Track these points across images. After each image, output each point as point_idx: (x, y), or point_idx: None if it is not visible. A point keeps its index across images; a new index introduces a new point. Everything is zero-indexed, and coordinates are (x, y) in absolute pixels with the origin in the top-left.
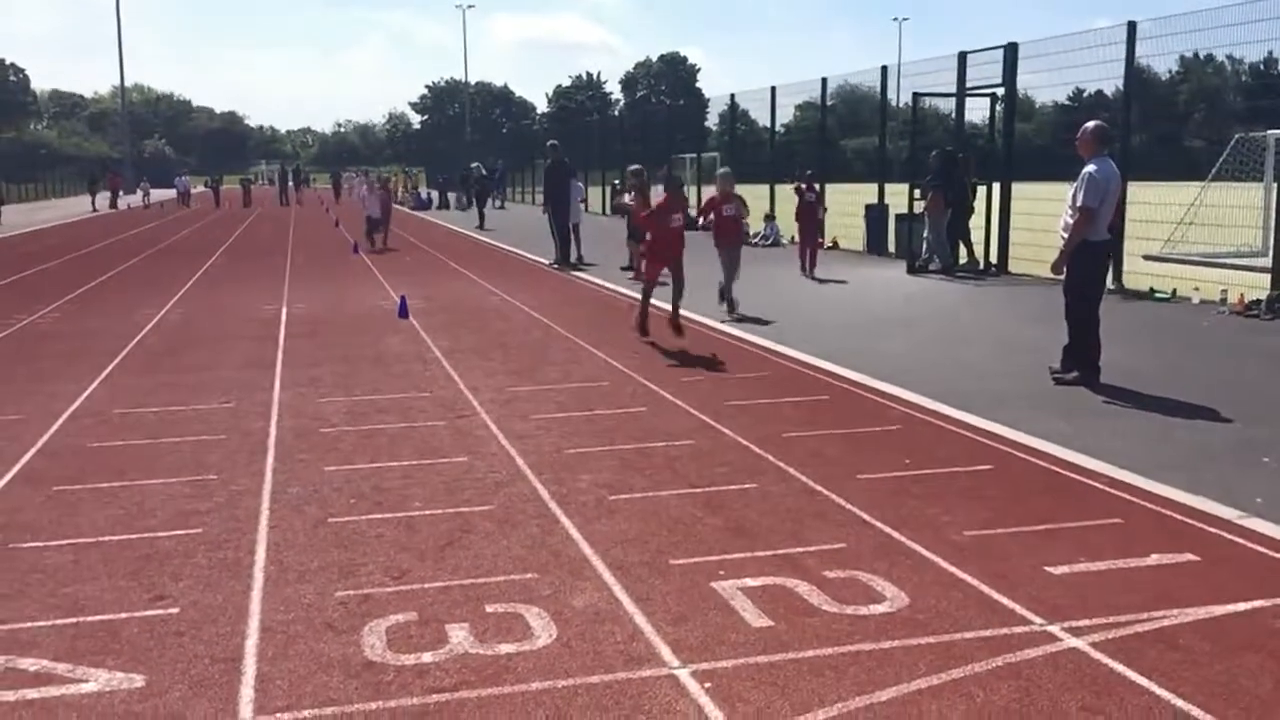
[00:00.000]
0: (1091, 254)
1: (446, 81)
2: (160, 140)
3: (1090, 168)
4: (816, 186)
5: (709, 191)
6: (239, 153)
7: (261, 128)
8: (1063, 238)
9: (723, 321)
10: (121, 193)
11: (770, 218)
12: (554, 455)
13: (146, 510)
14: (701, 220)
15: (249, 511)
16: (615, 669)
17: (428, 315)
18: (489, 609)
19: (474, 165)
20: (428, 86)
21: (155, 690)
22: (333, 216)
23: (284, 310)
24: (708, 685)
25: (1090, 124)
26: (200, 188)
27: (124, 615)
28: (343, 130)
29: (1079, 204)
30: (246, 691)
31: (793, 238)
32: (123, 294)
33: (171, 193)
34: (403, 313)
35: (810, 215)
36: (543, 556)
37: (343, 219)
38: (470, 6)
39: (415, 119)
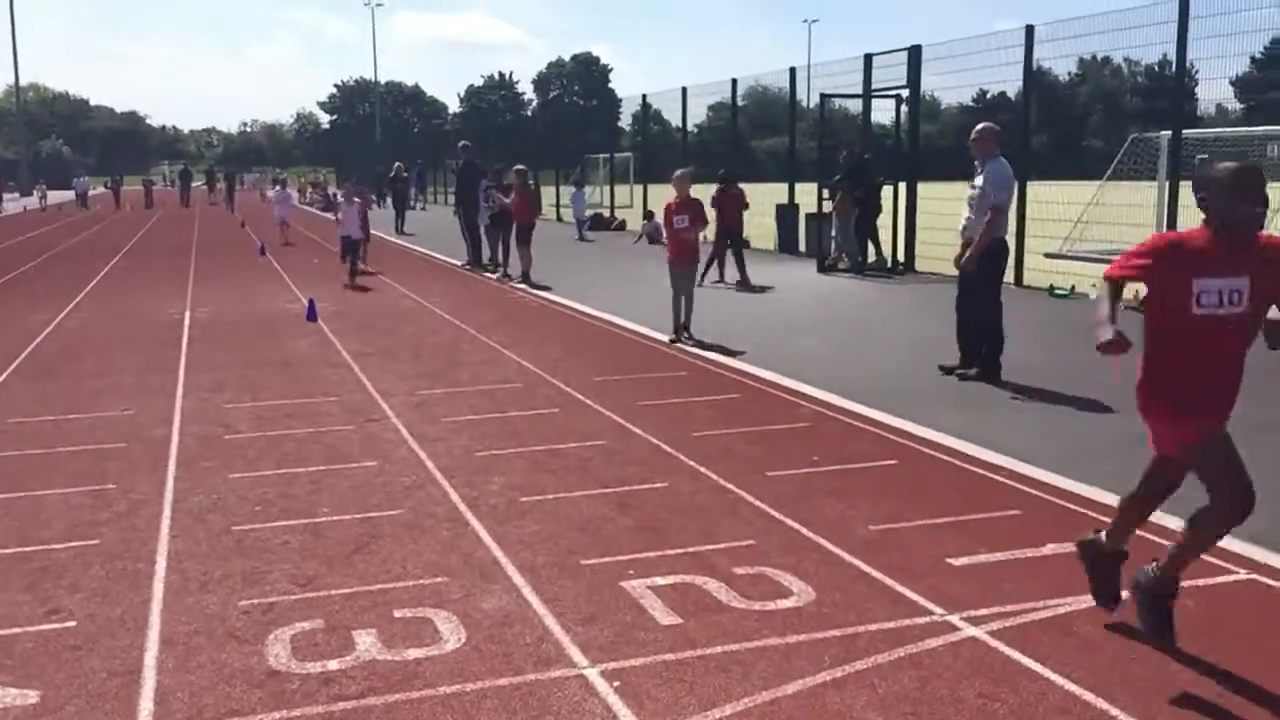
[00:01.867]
0: (999, 251)
1: (356, 81)
2: (57, 140)
3: (995, 165)
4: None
5: (621, 194)
6: (140, 153)
7: (164, 128)
8: (966, 237)
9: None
10: (7, 196)
11: (651, 216)
12: (465, 458)
13: (42, 521)
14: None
15: (149, 521)
16: (524, 671)
17: (337, 318)
18: (397, 614)
19: (397, 164)
20: (336, 86)
21: (50, 705)
22: (239, 218)
23: (188, 314)
24: (616, 684)
25: (983, 125)
26: (100, 189)
27: (17, 630)
28: (249, 130)
29: (992, 202)
30: (146, 704)
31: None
32: (17, 300)
33: (70, 194)
34: (311, 316)
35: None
36: (453, 560)
37: (248, 222)
38: (379, 4)
39: (324, 119)
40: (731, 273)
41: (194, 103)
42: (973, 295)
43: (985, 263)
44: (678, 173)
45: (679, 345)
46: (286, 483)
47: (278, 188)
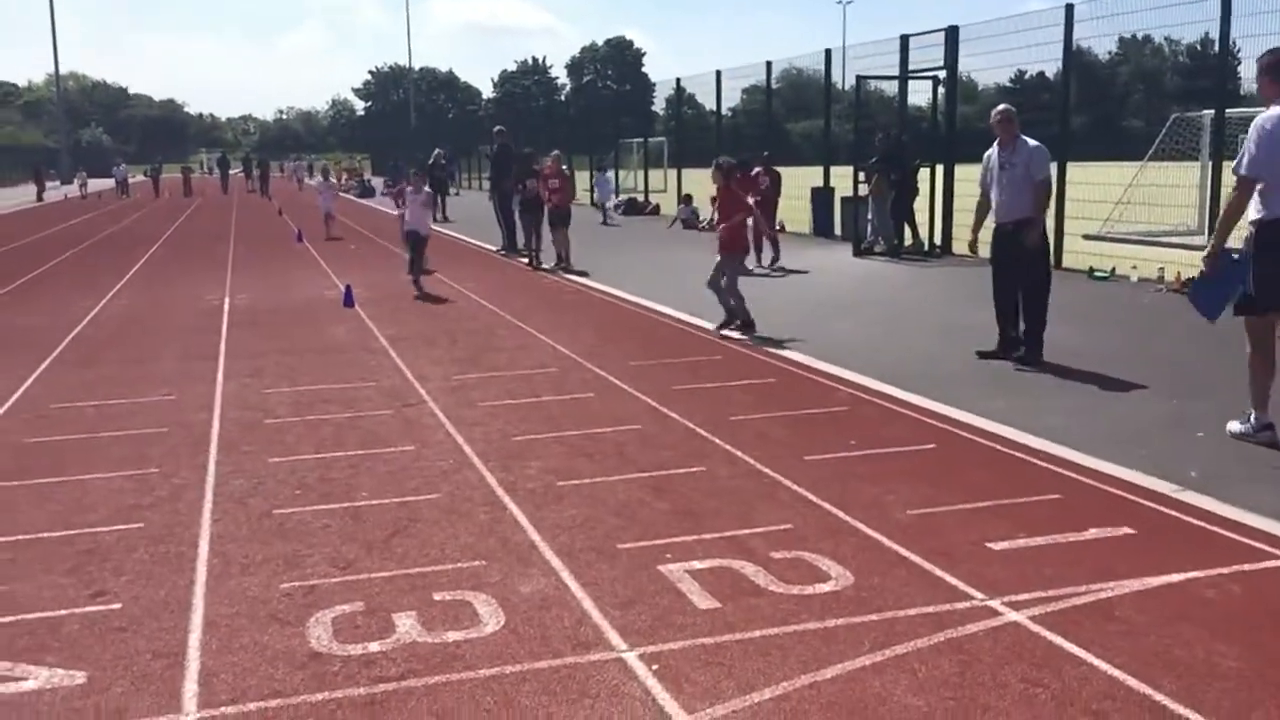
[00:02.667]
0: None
1: (390, 67)
2: (97, 129)
3: (1029, 143)
4: (765, 172)
5: (655, 179)
6: (178, 141)
7: (201, 115)
8: (996, 219)
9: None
10: (49, 184)
11: (689, 199)
12: (502, 442)
13: (86, 506)
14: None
15: (191, 505)
16: (563, 654)
17: (374, 304)
18: (436, 597)
19: (437, 151)
20: (371, 72)
21: (97, 687)
22: (275, 205)
23: (226, 301)
24: (655, 668)
25: (1003, 106)
26: (139, 177)
27: (64, 612)
28: (285, 118)
29: (1042, 178)
30: (190, 686)
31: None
32: (60, 287)
33: (110, 182)
34: (348, 302)
35: (764, 202)
36: (490, 544)
37: (285, 210)
38: None
39: (359, 105)
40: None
41: (230, 91)
42: (1025, 275)
43: (1044, 242)
44: (720, 160)
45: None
46: (325, 467)
47: (319, 177)
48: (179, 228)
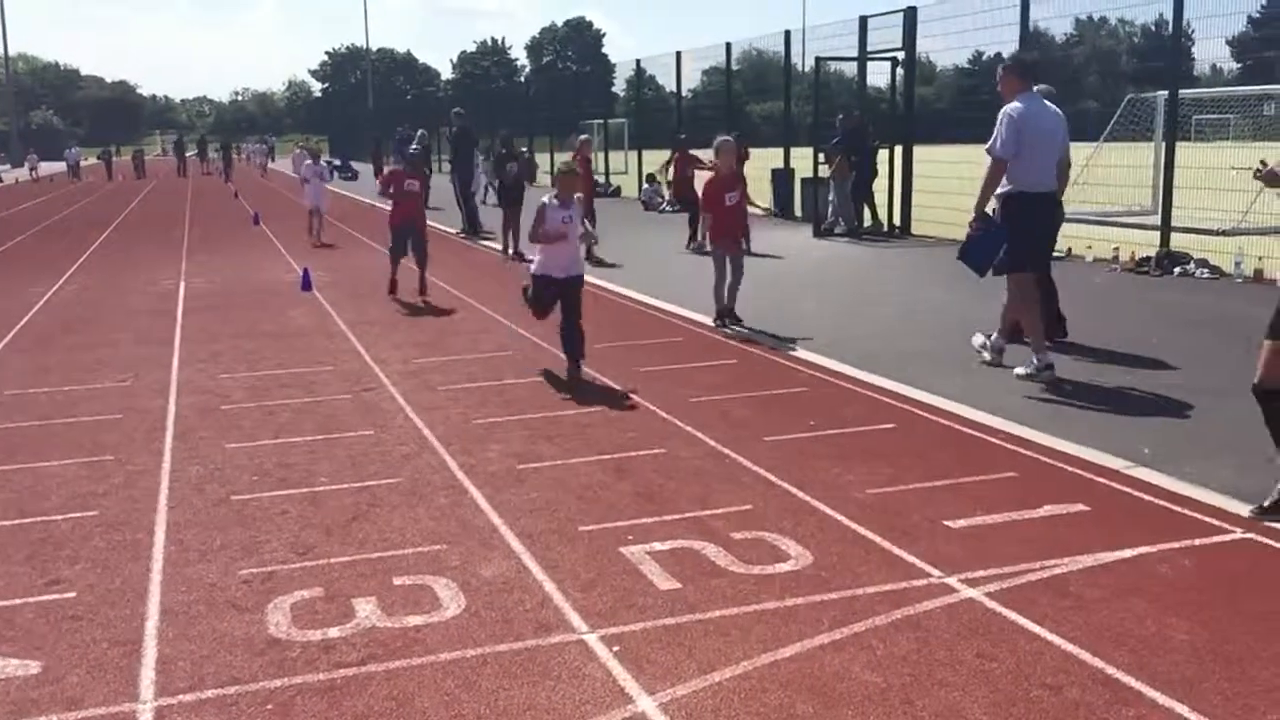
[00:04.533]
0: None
1: (347, 48)
2: (48, 111)
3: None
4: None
5: (615, 160)
6: (132, 123)
7: (155, 97)
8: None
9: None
10: None
11: (652, 179)
12: (462, 426)
13: (40, 493)
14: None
15: (147, 492)
16: (524, 636)
17: (332, 288)
18: (397, 582)
19: (421, 131)
20: (328, 53)
21: (52, 676)
22: (232, 188)
23: (182, 285)
24: (616, 649)
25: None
26: (92, 160)
27: (18, 601)
28: (240, 99)
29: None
30: (147, 674)
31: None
32: (11, 272)
33: (61, 166)
34: (306, 285)
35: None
36: (451, 527)
37: (241, 192)
38: None
39: (316, 87)
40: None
41: (184, 72)
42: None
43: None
44: (721, 141)
45: (723, 328)
46: (284, 452)
47: (308, 161)
48: (133, 211)
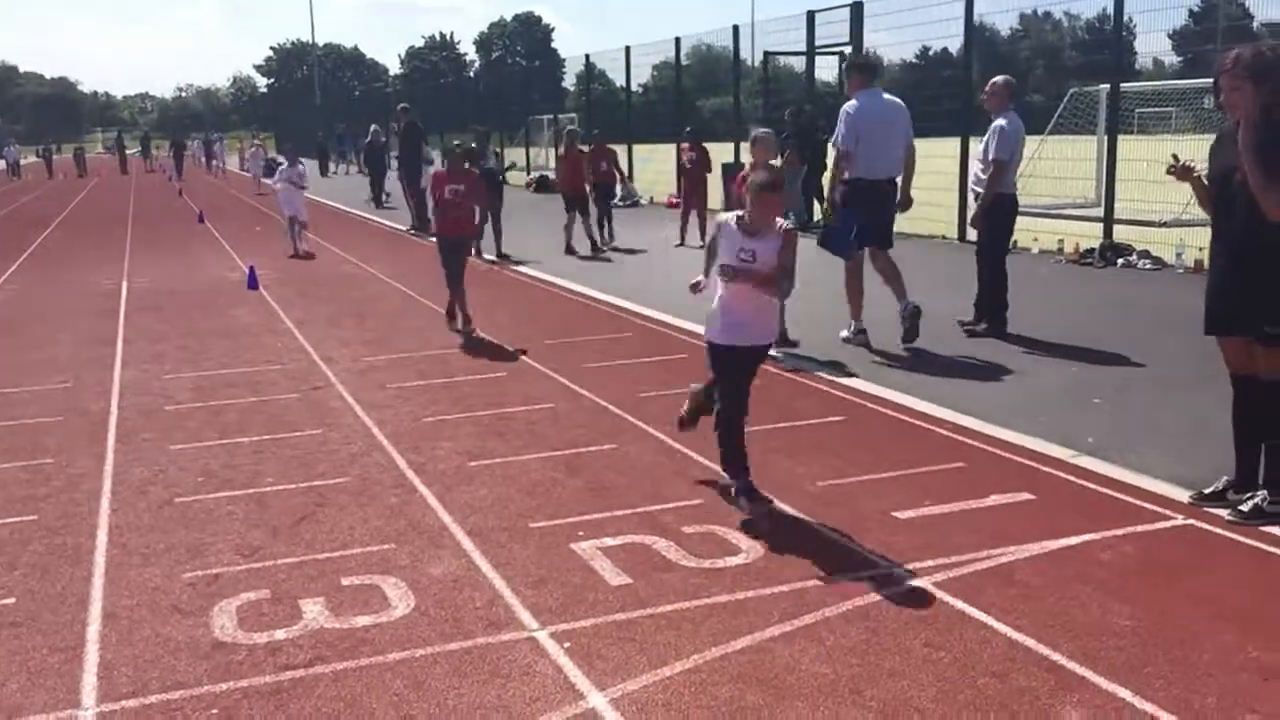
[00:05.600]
0: (1005, 207)
1: (293, 43)
2: None
3: (1001, 121)
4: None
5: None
6: (72, 120)
7: (96, 94)
8: (976, 193)
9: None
10: None
11: (630, 178)
12: (412, 424)
13: None
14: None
15: (89, 495)
16: (474, 635)
17: (279, 286)
18: (345, 582)
19: (371, 127)
20: (273, 48)
21: None
22: (175, 186)
23: (125, 284)
24: (567, 645)
25: (999, 79)
26: (32, 158)
27: None
28: (184, 95)
29: (991, 157)
30: (89, 679)
31: (651, 199)
32: None
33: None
34: (252, 284)
35: (694, 180)
36: (400, 526)
37: (188, 190)
38: None
39: (262, 82)
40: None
41: (125, 68)
42: (985, 251)
43: (989, 218)
44: (759, 133)
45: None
46: (230, 453)
47: (283, 164)
48: (75, 210)
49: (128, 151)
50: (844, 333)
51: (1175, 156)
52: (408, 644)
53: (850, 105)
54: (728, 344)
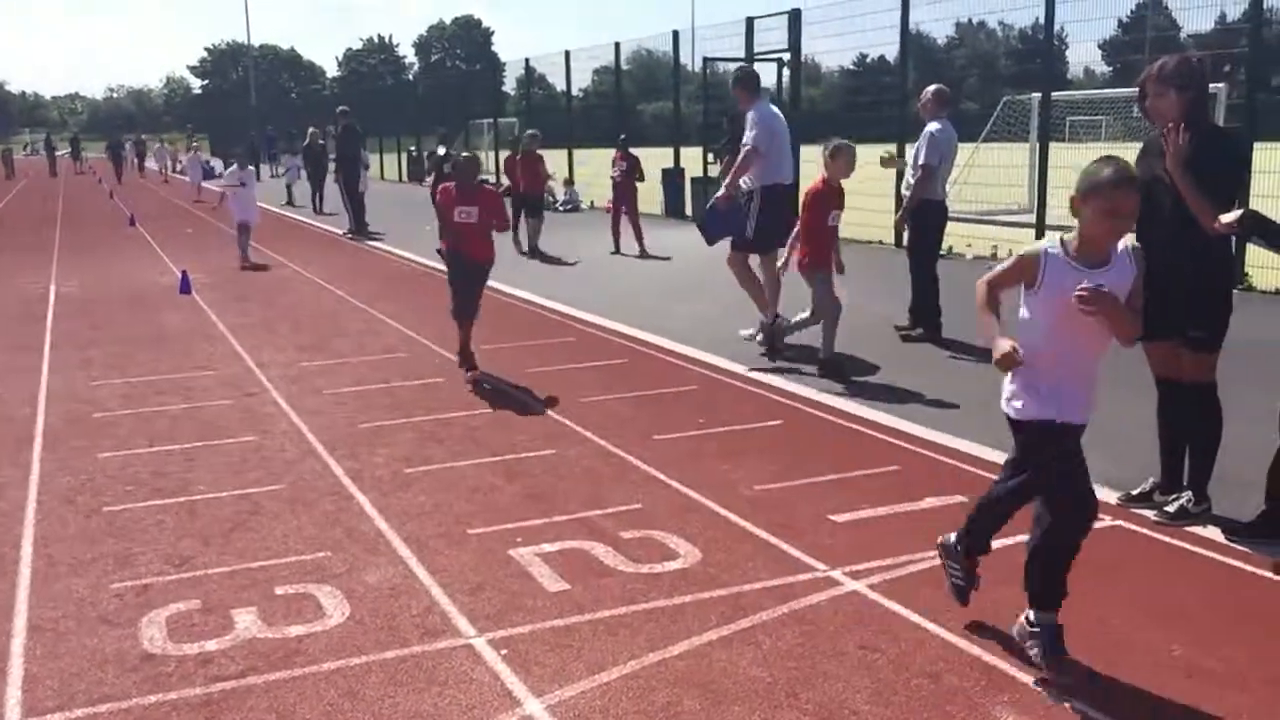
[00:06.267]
0: (933, 213)
1: (228, 44)
2: None
3: (933, 127)
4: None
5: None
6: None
7: (24, 94)
8: (906, 196)
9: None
10: None
11: (570, 182)
12: (348, 430)
13: None
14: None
15: (13, 504)
16: (410, 643)
17: (212, 290)
18: (278, 591)
19: (312, 130)
20: (207, 49)
21: None
22: (106, 188)
23: (53, 288)
24: (504, 652)
25: (931, 88)
26: None
27: None
28: (115, 96)
29: (920, 162)
30: (13, 693)
31: (592, 203)
32: None
33: None
34: (184, 288)
35: (625, 188)
36: (336, 534)
37: (119, 193)
38: None
39: (196, 83)
40: (605, 242)
41: (54, 68)
42: (914, 257)
43: (918, 224)
44: (837, 144)
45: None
46: (160, 461)
47: (232, 166)
48: (0, 212)
49: (57, 153)
50: (744, 331)
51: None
52: (342, 653)
53: (759, 110)
54: (1065, 423)
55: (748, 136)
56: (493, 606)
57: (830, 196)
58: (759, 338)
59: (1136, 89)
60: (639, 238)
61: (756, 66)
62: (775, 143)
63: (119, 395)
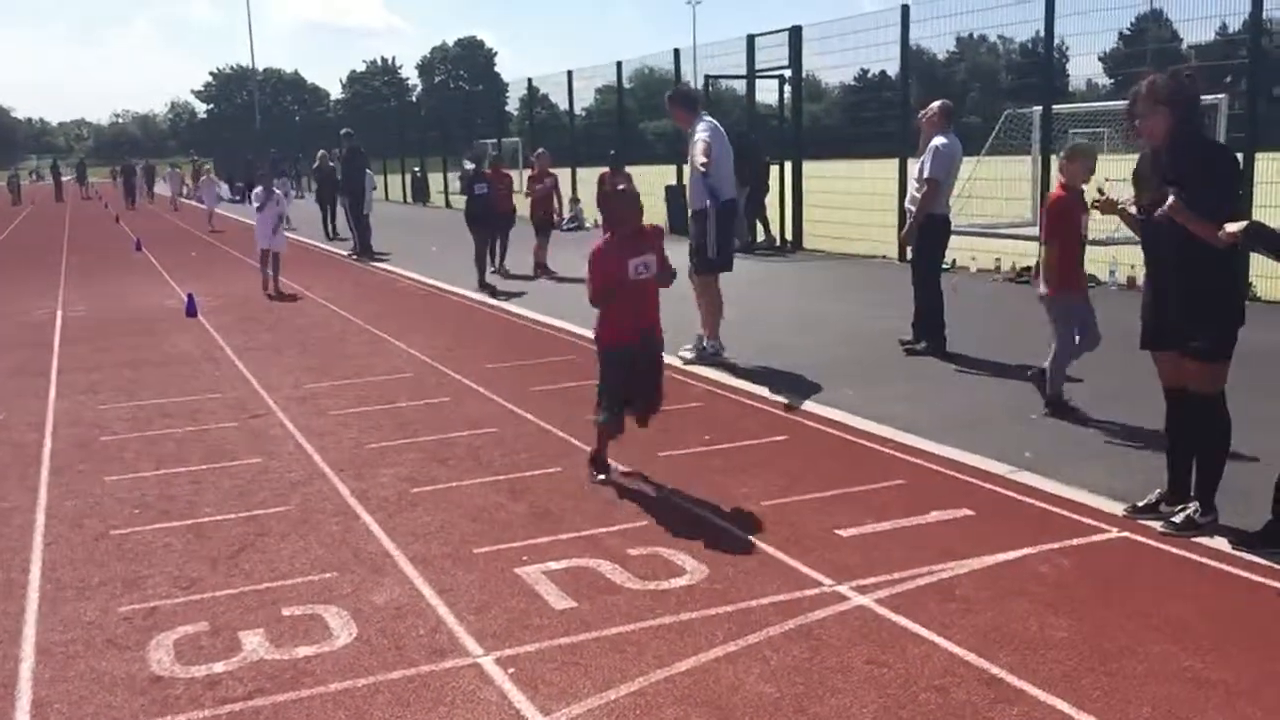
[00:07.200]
0: (937, 227)
1: (232, 68)
2: None
3: (938, 141)
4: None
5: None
6: (7, 147)
7: (31, 120)
8: (911, 211)
9: None
10: None
11: (575, 200)
12: (354, 451)
13: None
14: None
15: (21, 529)
16: (417, 663)
17: (218, 313)
18: (285, 612)
19: (319, 152)
20: (212, 73)
21: None
22: (113, 213)
23: (60, 313)
24: (511, 671)
25: (936, 103)
26: None
27: None
28: (121, 121)
29: (925, 176)
30: (22, 717)
31: (596, 222)
32: None
33: None
34: (191, 311)
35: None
36: (342, 555)
37: (125, 218)
38: None
39: (200, 107)
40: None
41: (60, 94)
42: (919, 271)
43: (922, 237)
44: (1076, 144)
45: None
46: (167, 483)
47: (257, 189)
48: (8, 237)
49: (63, 178)
50: (688, 354)
51: (1100, 190)
52: (349, 674)
53: (707, 127)
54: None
55: (700, 154)
56: (499, 625)
57: (1076, 202)
58: (693, 355)
59: (1136, 91)
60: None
61: (759, 83)
62: (727, 159)
63: (126, 418)
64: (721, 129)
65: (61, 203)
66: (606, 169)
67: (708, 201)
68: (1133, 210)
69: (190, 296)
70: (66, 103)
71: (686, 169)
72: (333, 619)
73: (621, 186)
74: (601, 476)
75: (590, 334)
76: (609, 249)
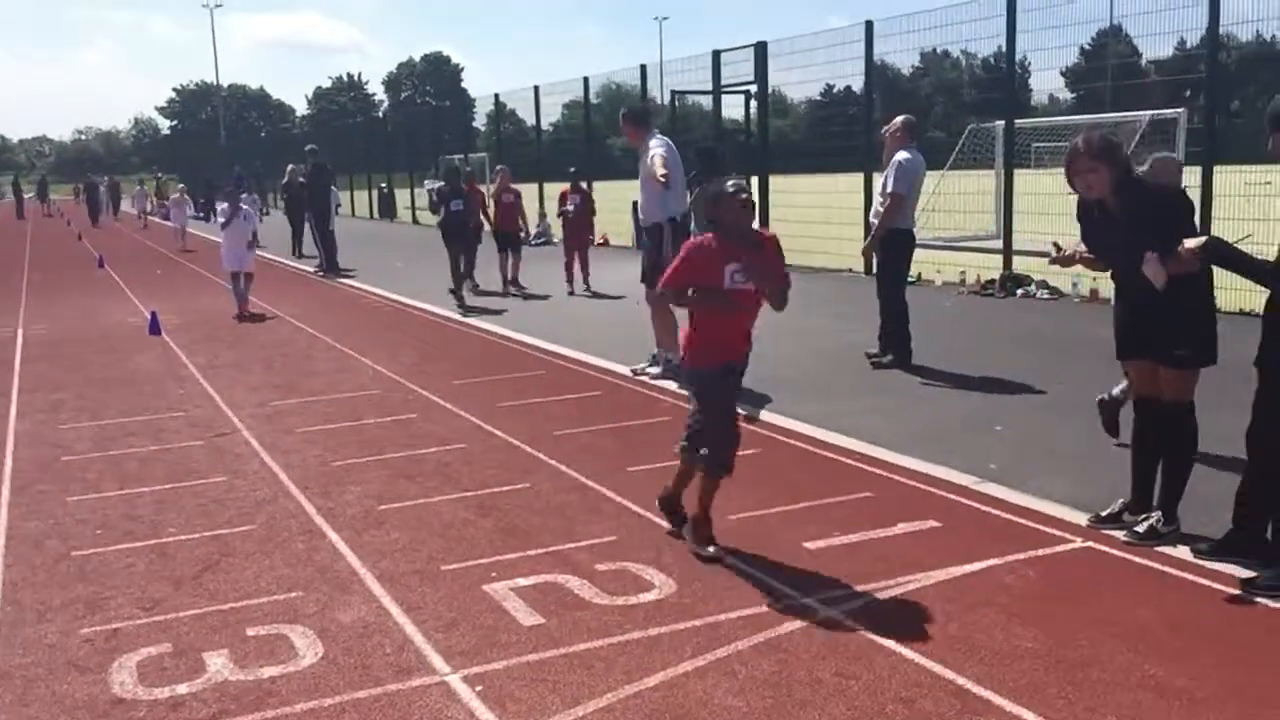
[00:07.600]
0: (901, 241)
1: (196, 84)
2: None
3: (901, 156)
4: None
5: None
6: None
7: None
8: (874, 224)
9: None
10: None
11: (542, 216)
12: (320, 469)
13: None
14: None
15: None
16: (384, 681)
17: (182, 331)
18: (250, 632)
19: (289, 167)
20: (176, 90)
21: None
22: (75, 230)
23: (20, 332)
24: (479, 689)
25: (899, 118)
26: None
27: None
28: (84, 138)
29: (889, 190)
30: None
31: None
32: None
33: None
34: (154, 329)
35: (578, 225)
36: (308, 574)
37: (89, 235)
38: (218, 5)
39: (164, 124)
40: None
41: (20, 111)
42: (883, 284)
43: (889, 252)
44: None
45: None
46: (130, 503)
47: (223, 205)
48: None
49: (25, 195)
50: (645, 366)
51: (1056, 245)
52: (315, 694)
53: (660, 144)
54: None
55: (659, 165)
56: (467, 643)
57: None
58: (650, 369)
59: (1099, 115)
60: (586, 276)
61: (725, 99)
62: (680, 174)
63: (89, 438)
64: (673, 145)
65: (23, 220)
66: (565, 186)
67: (664, 217)
68: (1089, 256)
69: (154, 314)
70: (28, 119)
71: (637, 184)
72: (298, 638)
73: (731, 185)
74: (712, 549)
75: (553, 346)
76: (706, 243)
